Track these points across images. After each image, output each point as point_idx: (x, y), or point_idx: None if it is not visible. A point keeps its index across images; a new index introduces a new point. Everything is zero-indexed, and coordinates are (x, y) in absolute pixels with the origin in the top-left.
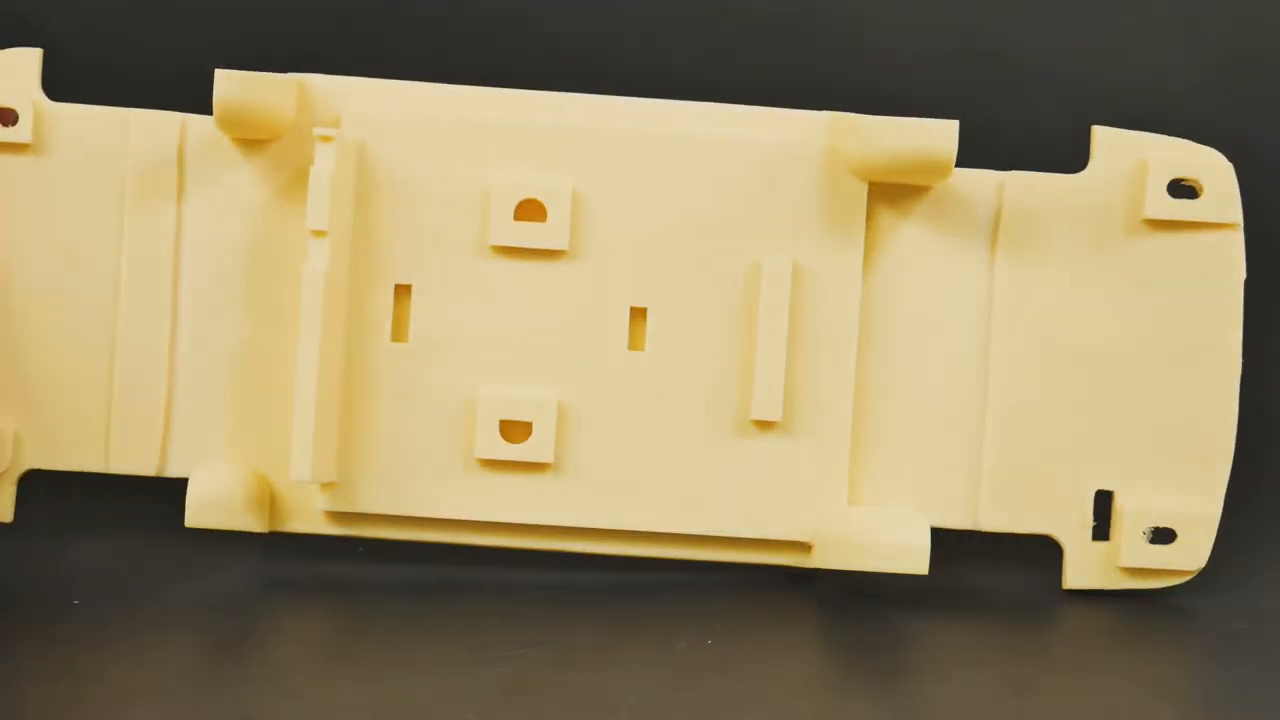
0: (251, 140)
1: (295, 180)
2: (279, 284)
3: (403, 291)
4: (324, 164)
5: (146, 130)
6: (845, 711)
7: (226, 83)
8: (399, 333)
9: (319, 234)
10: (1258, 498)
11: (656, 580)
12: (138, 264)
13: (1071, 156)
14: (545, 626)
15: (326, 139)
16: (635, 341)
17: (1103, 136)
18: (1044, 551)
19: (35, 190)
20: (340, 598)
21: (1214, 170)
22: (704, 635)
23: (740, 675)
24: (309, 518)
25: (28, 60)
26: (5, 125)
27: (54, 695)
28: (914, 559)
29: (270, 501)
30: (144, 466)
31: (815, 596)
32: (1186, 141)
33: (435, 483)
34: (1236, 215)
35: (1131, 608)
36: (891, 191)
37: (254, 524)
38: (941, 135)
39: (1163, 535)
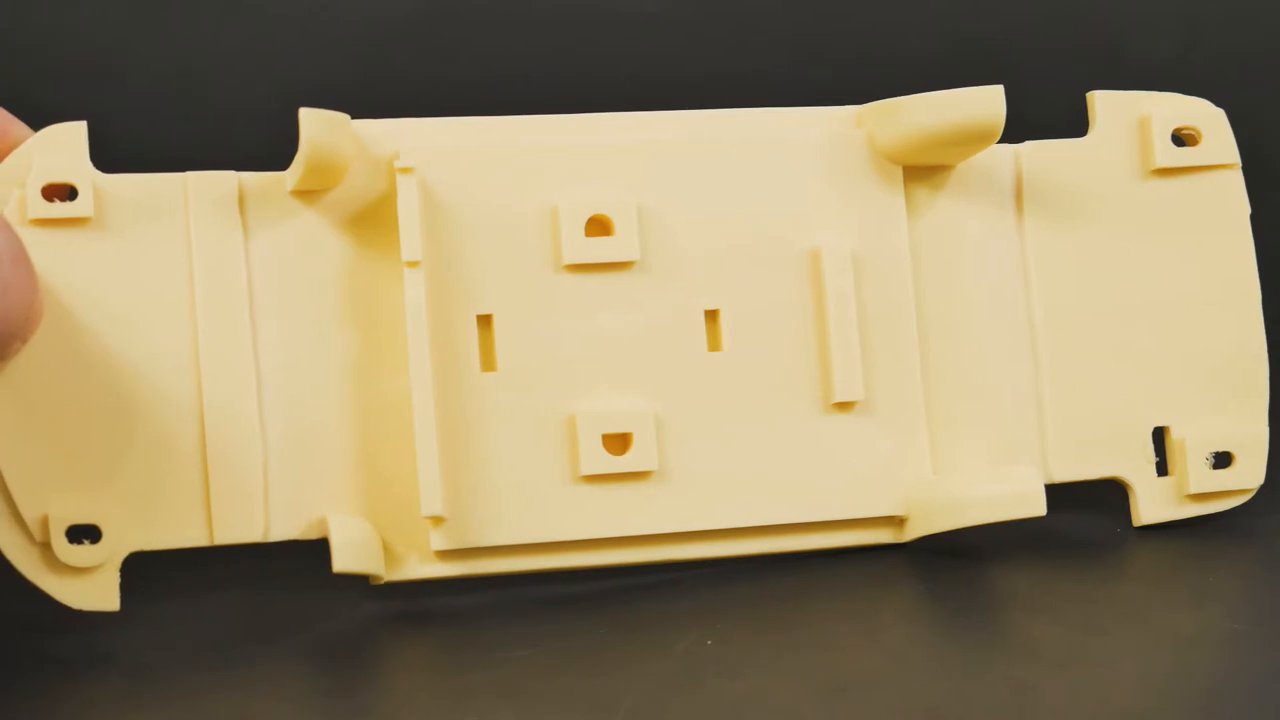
0: (307, 191)
1: (357, 225)
2: (359, 331)
3: (483, 321)
4: (409, 194)
5: (205, 192)
6: (847, 712)
7: (312, 122)
8: (487, 362)
9: (413, 265)
10: None
11: (656, 580)
12: (214, 327)
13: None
14: (545, 627)
15: (407, 170)
16: (713, 343)
17: (1101, 99)
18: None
19: (102, 264)
20: (337, 598)
21: (1209, 117)
22: (704, 635)
23: (740, 675)
24: (419, 561)
25: (75, 134)
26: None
27: None
28: (1030, 503)
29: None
30: (250, 534)
31: (814, 597)
32: (1177, 94)
33: (545, 506)
34: (1235, 156)
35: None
36: (919, 172)
37: (383, 569)
38: (990, 100)
39: (1222, 460)
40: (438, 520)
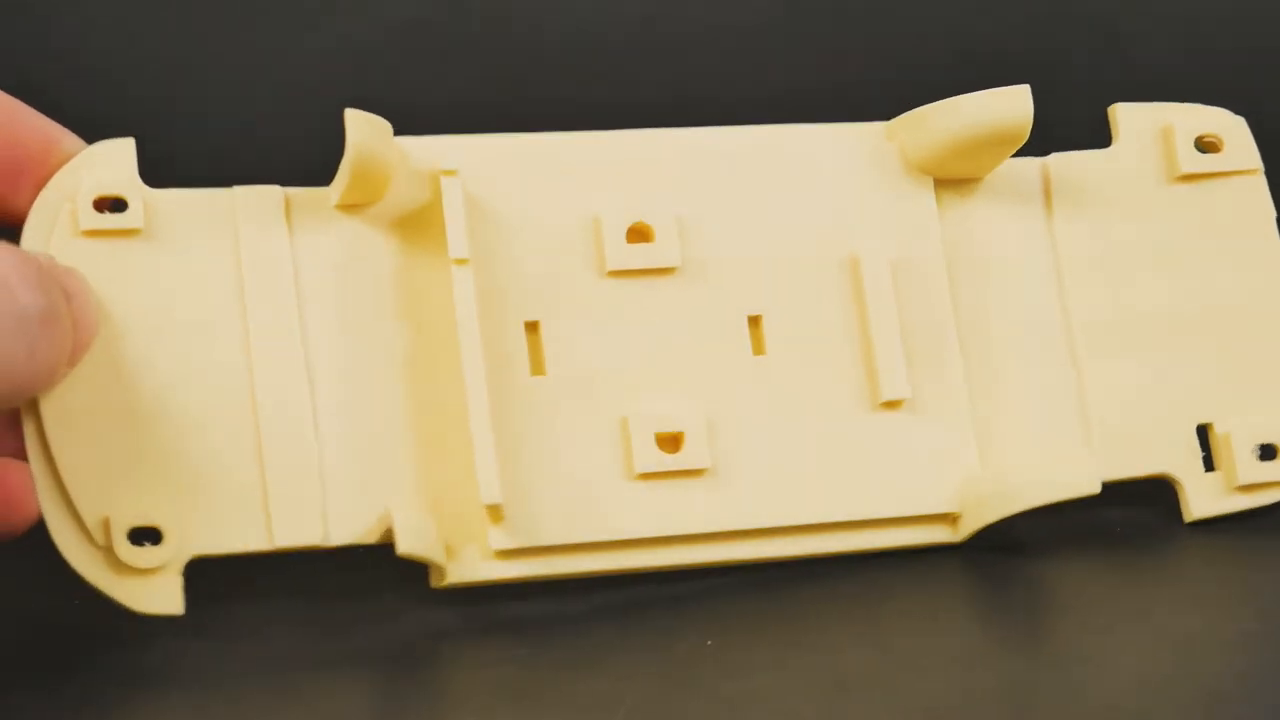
0: (351, 205)
1: (401, 236)
2: (408, 337)
3: (529, 328)
4: (454, 195)
5: (252, 205)
6: (847, 712)
7: (358, 125)
8: (536, 367)
9: (462, 262)
10: None
11: (657, 580)
12: (265, 334)
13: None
14: (546, 626)
15: (451, 173)
16: (757, 348)
17: (1123, 111)
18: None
19: (153, 273)
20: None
21: (1229, 126)
22: (704, 636)
23: (740, 675)
24: (479, 560)
25: (123, 150)
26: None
27: None
28: (1084, 482)
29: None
30: (309, 537)
31: (815, 598)
32: (1197, 105)
33: (601, 504)
34: (1257, 162)
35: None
36: (949, 185)
37: (444, 558)
38: (1017, 100)
39: (1266, 453)
40: (495, 512)
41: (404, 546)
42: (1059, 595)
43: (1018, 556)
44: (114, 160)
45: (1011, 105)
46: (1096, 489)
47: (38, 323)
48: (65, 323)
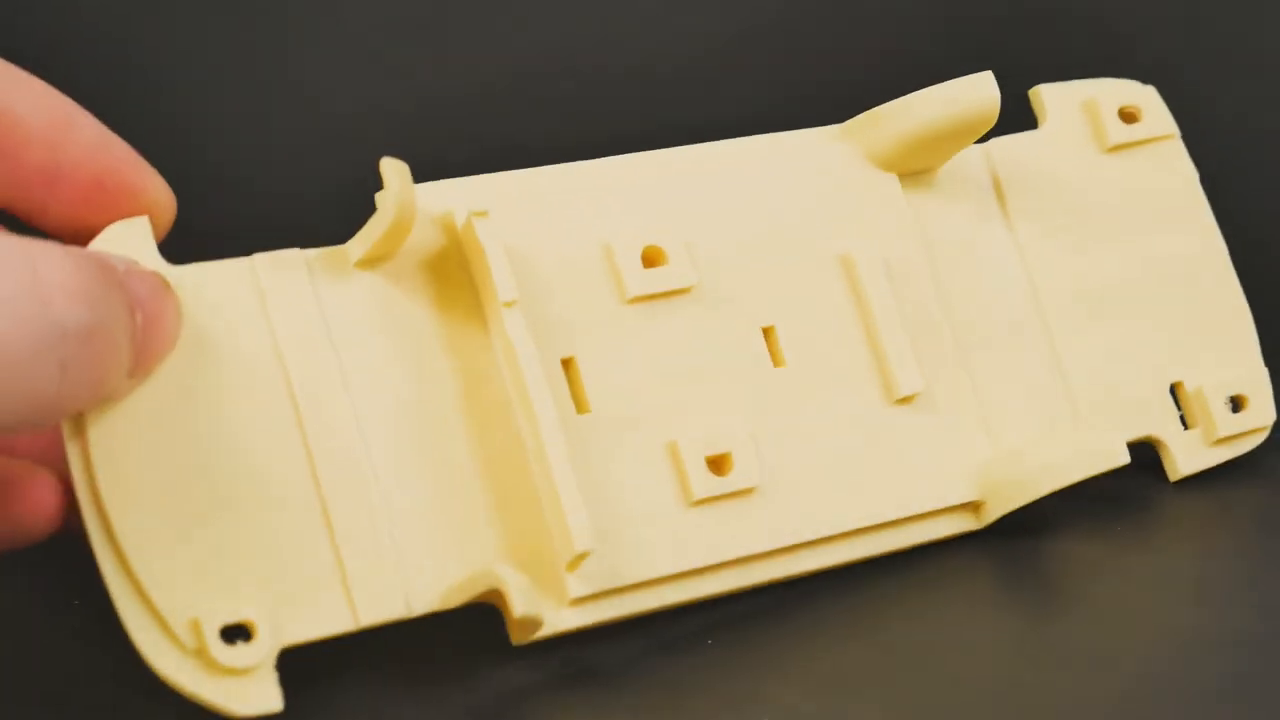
0: (370, 261)
1: (424, 283)
2: (450, 386)
3: (564, 365)
4: (490, 237)
5: (274, 271)
6: (849, 710)
7: (397, 172)
8: (580, 405)
9: (510, 304)
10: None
11: None
12: (314, 406)
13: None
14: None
15: (482, 214)
16: (776, 359)
17: (1047, 92)
18: None
19: (194, 353)
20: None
21: (1143, 94)
22: (704, 635)
23: (740, 674)
24: (555, 610)
25: (139, 228)
26: None
27: None
28: (1112, 455)
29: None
30: (392, 610)
31: (813, 595)
32: (1110, 79)
33: (667, 537)
34: (1174, 127)
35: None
36: (906, 178)
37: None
38: (983, 86)
39: (1234, 404)
40: (581, 559)
41: (521, 609)
42: (1064, 579)
43: (1022, 542)
44: (132, 241)
45: (979, 91)
46: (1126, 459)
47: (76, 339)
48: (115, 338)
